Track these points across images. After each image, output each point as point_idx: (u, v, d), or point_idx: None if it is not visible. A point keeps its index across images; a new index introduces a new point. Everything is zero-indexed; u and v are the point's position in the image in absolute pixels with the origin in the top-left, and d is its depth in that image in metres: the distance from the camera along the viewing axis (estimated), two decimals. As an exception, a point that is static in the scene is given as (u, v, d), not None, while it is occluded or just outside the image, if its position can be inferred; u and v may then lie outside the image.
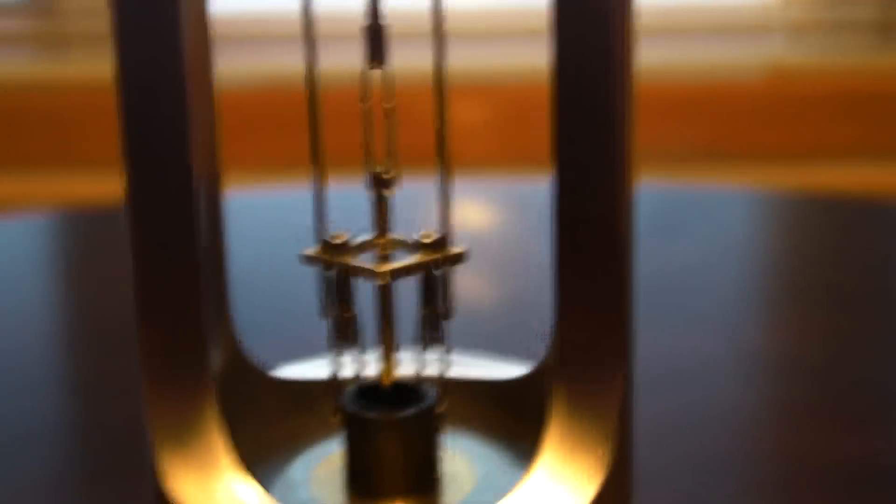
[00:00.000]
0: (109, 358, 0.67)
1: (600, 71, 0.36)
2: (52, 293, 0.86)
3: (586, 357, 0.38)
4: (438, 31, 0.38)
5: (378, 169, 0.39)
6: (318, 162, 0.40)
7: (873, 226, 1.03)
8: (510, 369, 0.44)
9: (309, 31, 0.38)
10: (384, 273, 0.39)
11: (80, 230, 0.99)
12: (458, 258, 0.40)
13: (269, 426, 0.44)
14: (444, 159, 0.40)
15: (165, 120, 0.36)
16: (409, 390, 0.41)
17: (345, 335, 0.41)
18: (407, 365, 0.43)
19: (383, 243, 0.40)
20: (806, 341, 0.76)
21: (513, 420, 0.44)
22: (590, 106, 0.36)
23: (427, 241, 0.40)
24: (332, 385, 0.42)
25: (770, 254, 0.96)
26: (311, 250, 0.40)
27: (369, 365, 0.42)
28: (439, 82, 0.39)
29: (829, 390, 0.69)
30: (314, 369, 0.45)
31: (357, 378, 0.42)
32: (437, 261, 0.40)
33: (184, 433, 0.38)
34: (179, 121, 0.36)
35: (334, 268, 0.40)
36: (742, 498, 0.60)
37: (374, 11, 0.38)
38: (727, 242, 0.88)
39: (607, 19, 0.36)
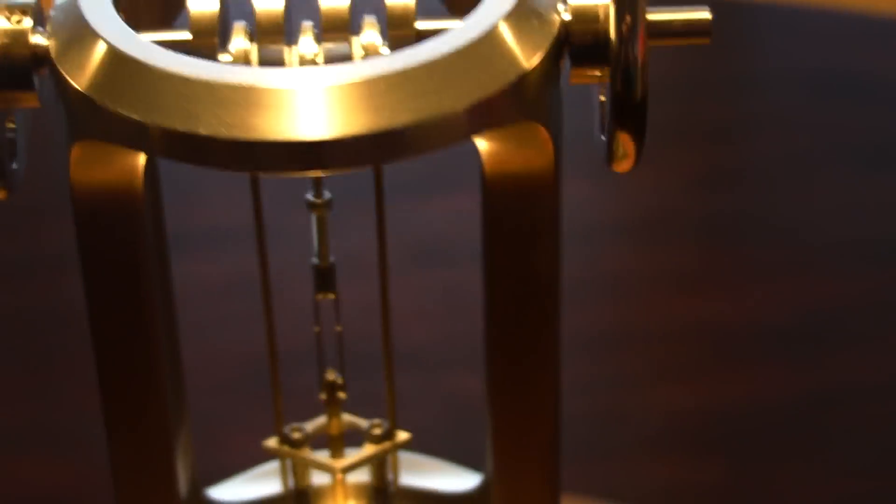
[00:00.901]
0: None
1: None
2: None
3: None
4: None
5: (331, 377, 0.43)
6: (273, 354, 0.43)
7: (726, 33, 0.89)
8: (461, 480, 0.48)
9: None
10: (339, 469, 0.43)
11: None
12: (405, 444, 0.44)
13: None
14: (388, 353, 0.43)
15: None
16: None
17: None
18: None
19: (336, 428, 0.44)
20: (674, 189, 0.72)
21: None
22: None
23: (377, 432, 0.44)
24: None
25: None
26: (271, 443, 0.44)
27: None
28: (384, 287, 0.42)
29: (708, 249, 0.68)
30: (257, 486, 0.49)
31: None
32: (387, 449, 0.44)
33: None
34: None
35: (292, 459, 0.44)
36: (626, 366, 0.61)
37: (322, 252, 0.41)
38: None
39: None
